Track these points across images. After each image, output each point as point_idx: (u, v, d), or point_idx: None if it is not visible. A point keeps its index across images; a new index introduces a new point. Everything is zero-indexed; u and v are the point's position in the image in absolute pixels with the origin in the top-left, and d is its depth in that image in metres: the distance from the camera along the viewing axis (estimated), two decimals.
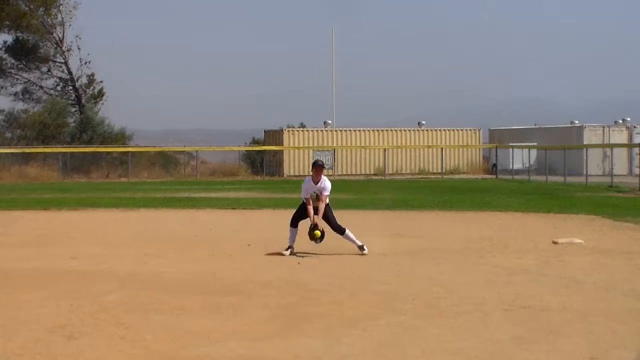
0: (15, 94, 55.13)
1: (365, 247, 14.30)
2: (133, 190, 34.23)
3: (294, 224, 14.38)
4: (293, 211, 14.68)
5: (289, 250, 14.20)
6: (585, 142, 49.82)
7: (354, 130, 53.77)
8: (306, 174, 50.41)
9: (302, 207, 14.34)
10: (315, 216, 14.09)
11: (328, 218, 14.25)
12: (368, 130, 53.95)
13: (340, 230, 14.32)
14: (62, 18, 54.32)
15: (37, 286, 11.13)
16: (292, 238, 14.30)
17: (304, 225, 14.28)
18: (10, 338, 8.10)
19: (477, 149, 55.95)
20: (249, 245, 15.34)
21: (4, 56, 54.77)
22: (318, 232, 14.08)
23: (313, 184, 14.13)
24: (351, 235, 14.35)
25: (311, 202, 14.16)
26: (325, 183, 14.13)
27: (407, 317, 8.99)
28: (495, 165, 52.98)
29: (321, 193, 14.06)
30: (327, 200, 14.18)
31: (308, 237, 14.19)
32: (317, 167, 14.16)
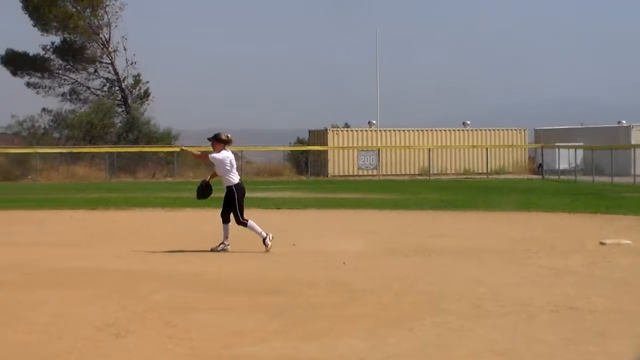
0: (63, 94, 55.76)
1: (268, 242, 14.37)
2: (179, 190, 34.46)
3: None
4: (337, 212, 14.67)
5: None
6: (632, 142, 49.24)
7: (399, 130, 53.66)
8: (351, 174, 50.53)
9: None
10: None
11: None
12: (413, 130, 53.81)
13: (244, 224, 14.47)
14: (109, 19, 54.85)
15: (84, 285, 11.25)
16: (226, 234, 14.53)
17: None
18: (60, 336, 8.20)
19: (523, 149, 55.57)
20: (293, 245, 15.37)
21: (52, 57, 55.38)
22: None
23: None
24: (256, 227, 14.49)
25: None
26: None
27: (452, 318, 8.95)
28: (541, 165, 52.56)
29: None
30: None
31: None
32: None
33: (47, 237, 17.33)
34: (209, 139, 14.69)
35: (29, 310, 9.52)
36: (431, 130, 54.46)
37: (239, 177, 14.68)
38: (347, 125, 59.55)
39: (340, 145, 51.52)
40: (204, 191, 14.99)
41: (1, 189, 36.52)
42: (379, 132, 53.05)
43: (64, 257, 14.09)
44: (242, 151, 52.35)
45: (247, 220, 14.50)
